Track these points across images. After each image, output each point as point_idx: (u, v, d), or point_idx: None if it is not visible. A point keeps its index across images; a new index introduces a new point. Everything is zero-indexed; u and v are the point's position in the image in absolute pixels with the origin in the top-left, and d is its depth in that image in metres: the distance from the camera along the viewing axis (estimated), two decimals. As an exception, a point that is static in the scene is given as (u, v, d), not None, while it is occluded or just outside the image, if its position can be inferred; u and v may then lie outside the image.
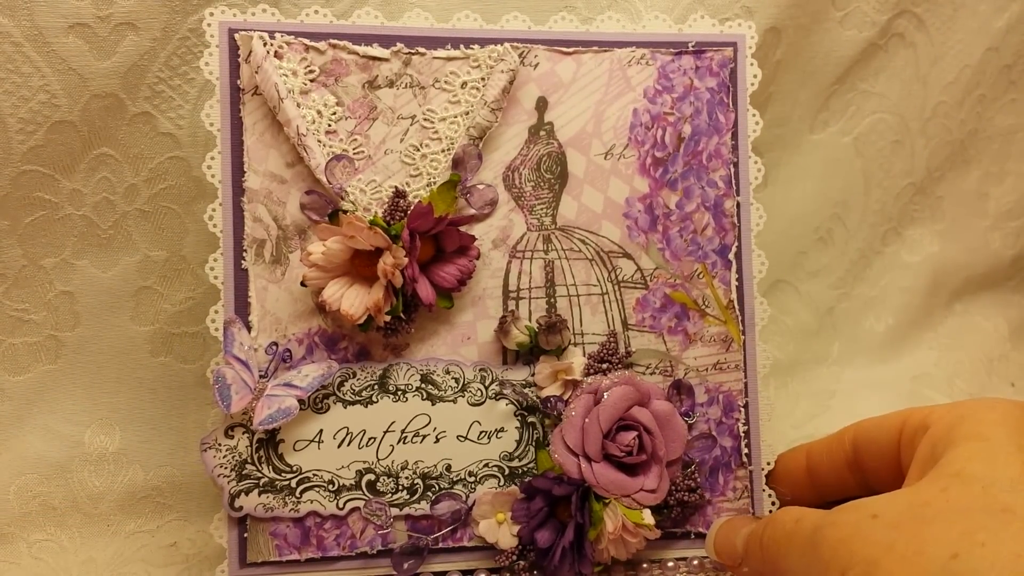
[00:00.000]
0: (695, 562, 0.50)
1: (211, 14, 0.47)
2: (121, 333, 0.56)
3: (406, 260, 0.45)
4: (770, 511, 0.50)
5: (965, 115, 0.69)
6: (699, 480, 0.50)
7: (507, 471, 0.49)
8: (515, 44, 0.49)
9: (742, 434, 0.51)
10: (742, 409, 0.51)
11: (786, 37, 0.61)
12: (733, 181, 0.51)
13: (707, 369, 0.51)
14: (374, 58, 0.48)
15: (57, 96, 0.51)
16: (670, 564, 0.50)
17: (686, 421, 0.50)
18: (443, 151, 0.48)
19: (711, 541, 0.47)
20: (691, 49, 0.51)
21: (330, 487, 0.47)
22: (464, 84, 0.48)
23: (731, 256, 0.51)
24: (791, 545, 0.38)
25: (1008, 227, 0.75)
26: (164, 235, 0.56)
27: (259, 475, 0.47)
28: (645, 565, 0.50)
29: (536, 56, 0.49)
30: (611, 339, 0.49)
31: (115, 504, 0.56)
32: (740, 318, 0.51)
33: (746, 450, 0.51)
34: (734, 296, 0.51)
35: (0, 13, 0.49)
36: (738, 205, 0.51)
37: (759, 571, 0.42)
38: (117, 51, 0.51)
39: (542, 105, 0.49)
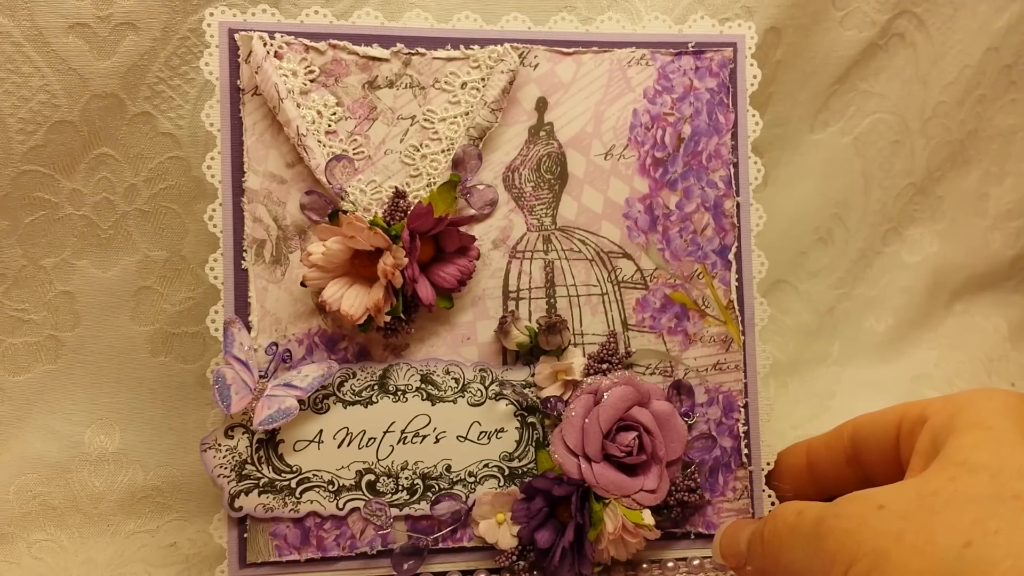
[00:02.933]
0: (695, 562, 0.50)
1: (211, 14, 0.47)
2: (121, 333, 0.56)
3: (406, 260, 0.45)
4: (769, 511, 0.50)
5: (965, 115, 0.69)
6: (699, 480, 0.50)
7: (507, 471, 0.49)
8: (515, 44, 0.49)
9: (742, 434, 0.51)
10: (742, 409, 0.51)
11: (786, 37, 0.61)
12: (733, 181, 0.51)
13: (707, 369, 0.51)
14: (374, 58, 0.48)
15: (57, 96, 0.51)
16: (670, 564, 0.50)
17: (686, 421, 0.50)
18: (443, 151, 0.48)
19: (717, 544, 0.47)
20: (691, 49, 0.51)
21: (330, 487, 0.47)
22: (464, 84, 0.48)
23: (731, 256, 0.51)
24: (793, 538, 0.37)
25: (1008, 227, 0.75)
26: (164, 235, 0.56)
27: (259, 475, 0.47)
28: (645, 565, 0.50)
29: (536, 56, 0.49)
30: (611, 339, 0.49)
31: (115, 504, 0.56)
32: (740, 318, 0.51)
33: (746, 450, 0.51)
34: (734, 296, 0.51)
35: (0, 13, 0.49)
36: (738, 205, 0.51)
37: (762, 568, 0.41)
38: (117, 51, 0.51)
39: (542, 105, 0.49)
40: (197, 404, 0.57)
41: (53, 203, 0.54)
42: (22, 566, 0.53)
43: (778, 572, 0.39)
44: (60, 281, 0.55)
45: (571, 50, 0.50)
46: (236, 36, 0.47)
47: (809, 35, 0.62)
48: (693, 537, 0.50)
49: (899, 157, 0.68)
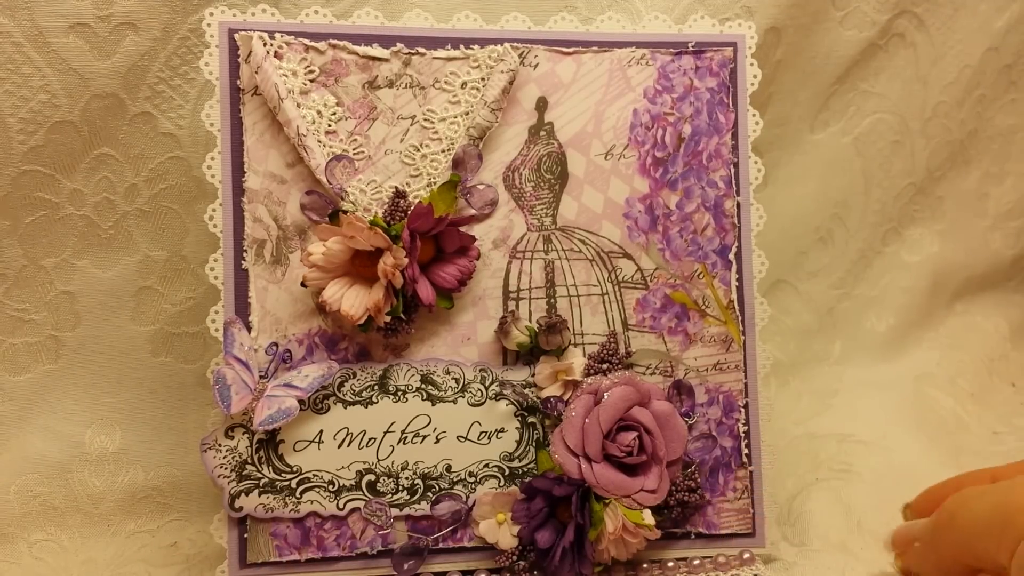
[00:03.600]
0: (695, 562, 0.50)
1: (211, 14, 0.47)
2: (121, 333, 0.56)
3: (406, 260, 0.45)
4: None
5: (965, 115, 0.69)
6: (699, 480, 0.50)
7: (507, 471, 0.49)
8: (515, 44, 0.49)
9: (742, 434, 0.51)
10: (742, 409, 0.51)
11: (786, 37, 0.61)
12: (733, 181, 0.51)
13: (707, 369, 0.51)
14: (374, 58, 0.48)
15: (57, 96, 0.51)
16: (670, 564, 0.50)
17: (686, 421, 0.50)
18: (443, 151, 0.48)
19: (889, 537, 0.48)
20: (691, 49, 0.51)
21: (330, 487, 0.47)
22: (464, 84, 0.48)
23: (731, 256, 0.51)
24: (978, 501, 0.40)
25: (1008, 227, 0.75)
26: (164, 235, 0.56)
27: (259, 475, 0.47)
28: (645, 565, 0.50)
29: (536, 56, 0.49)
30: (611, 339, 0.49)
31: (115, 504, 0.56)
32: (740, 318, 0.51)
33: (746, 450, 0.51)
34: (734, 296, 0.51)
35: (0, 13, 0.49)
36: (738, 205, 0.51)
37: (934, 541, 0.43)
38: (117, 51, 0.51)
39: (542, 105, 0.49)
40: (197, 404, 0.57)
41: (54, 203, 0.54)
42: (22, 566, 0.53)
43: (953, 534, 0.41)
44: (61, 281, 0.55)
45: (571, 50, 0.50)
46: (236, 36, 0.47)
47: (809, 35, 0.62)
48: (693, 537, 0.50)
49: (899, 157, 0.68)
